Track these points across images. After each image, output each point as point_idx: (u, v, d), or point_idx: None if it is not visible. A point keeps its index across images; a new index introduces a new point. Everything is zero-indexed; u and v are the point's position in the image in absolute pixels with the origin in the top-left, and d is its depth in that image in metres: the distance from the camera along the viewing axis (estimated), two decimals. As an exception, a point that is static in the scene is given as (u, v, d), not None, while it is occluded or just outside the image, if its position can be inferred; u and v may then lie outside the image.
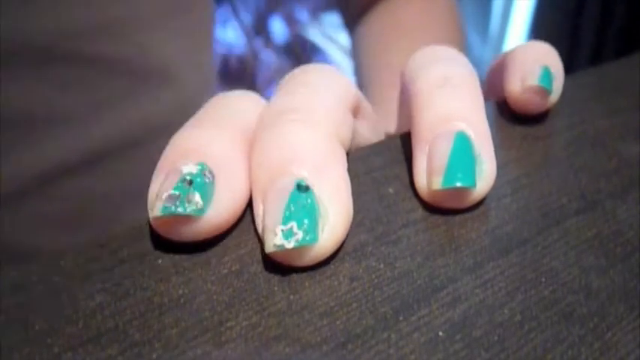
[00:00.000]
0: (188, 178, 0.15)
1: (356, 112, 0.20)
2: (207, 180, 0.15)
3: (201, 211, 0.15)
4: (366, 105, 0.21)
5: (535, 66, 0.21)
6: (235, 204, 0.16)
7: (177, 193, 0.15)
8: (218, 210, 0.15)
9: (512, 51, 0.22)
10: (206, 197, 0.15)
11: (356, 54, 0.44)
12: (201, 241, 0.16)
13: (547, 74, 0.21)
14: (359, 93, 0.20)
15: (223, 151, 0.16)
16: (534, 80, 0.21)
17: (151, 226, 0.16)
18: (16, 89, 0.28)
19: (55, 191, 0.31)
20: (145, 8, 0.31)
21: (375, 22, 0.42)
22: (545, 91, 0.21)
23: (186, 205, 0.15)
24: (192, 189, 0.15)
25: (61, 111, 0.30)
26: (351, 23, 0.45)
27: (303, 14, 0.94)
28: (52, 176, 0.30)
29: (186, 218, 0.15)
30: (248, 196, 0.17)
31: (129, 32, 0.30)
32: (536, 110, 0.22)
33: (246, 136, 0.17)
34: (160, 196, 0.15)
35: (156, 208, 0.15)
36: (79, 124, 0.31)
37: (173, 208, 0.15)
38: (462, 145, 0.17)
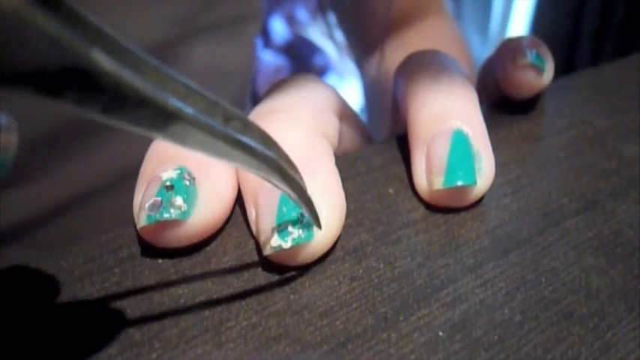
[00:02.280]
0: (168, 183, 0.15)
1: (342, 117, 0.20)
2: (187, 183, 0.15)
3: (185, 214, 0.15)
4: (351, 110, 0.22)
5: (525, 49, 0.21)
6: (220, 204, 0.16)
7: (159, 199, 0.15)
8: (203, 211, 0.15)
9: (501, 43, 0.23)
10: (189, 200, 0.15)
11: (371, 90, 0.44)
12: (193, 245, 0.16)
13: (538, 55, 0.21)
14: (343, 99, 0.21)
15: None
16: (527, 58, 0.21)
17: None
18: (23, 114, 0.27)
19: (49, 229, 0.30)
20: (198, 21, 0.30)
21: (391, 57, 0.42)
22: (537, 68, 0.21)
23: (170, 210, 0.15)
24: (173, 194, 0.15)
25: (68, 139, 0.29)
26: (362, 58, 0.45)
27: (303, 14, 0.94)
28: (48, 214, 0.30)
29: (173, 223, 0.15)
30: (234, 196, 0.17)
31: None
32: (530, 90, 0.22)
33: None
34: (142, 206, 0.15)
35: (141, 219, 0.15)
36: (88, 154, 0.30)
37: (157, 215, 0.15)
38: (460, 143, 0.17)
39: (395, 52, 0.39)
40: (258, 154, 0.11)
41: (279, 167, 0.12)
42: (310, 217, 0.14)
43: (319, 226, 0.15)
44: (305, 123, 0.17)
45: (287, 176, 0.12)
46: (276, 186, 0.13)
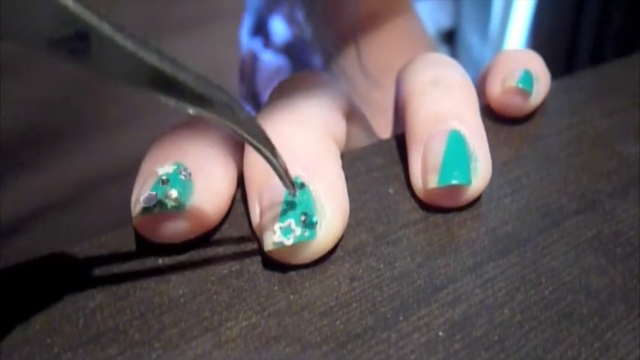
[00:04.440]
0: (164, 177, 0.15)
1: (349, 117, 0.20)
2: (183, 178, 0.15)
3: (180, 207, 0.15)
4: (358, 110, 0.22)
5: (516, 69, 0.21)
6: (216, 200, 0.16)
7: (154, 192, 0.15)
8: (197, 206, 0.15)
9: (495, 57, 0.22)
10: (184, 194, 0.15)
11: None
12: (189, 240, 0.16)
13: (528, 76, 0.21)
14: (351, 98, 0.21)
15: (200, 150, 0.16)
16: (514, 82, 0.21)
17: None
18: (19, 108, 0.27)
19: (47, 223, 0.30)
20: (166, 18, 0.30)
21: (366, 55, 0.42)
22: (524, 93, 0.21)
23: (165, 202, 0.15)
24: (168, 187, 0.15)
25: (65, 133, 0.29)
26: (332, 53, 0.45)
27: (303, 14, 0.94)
28: (47, 207, 0.30)
29: (168, 216, 0.15)
30: (231, 194, 0.17)
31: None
32: (517, 113, 0.22)
33: (228, 136, 0.17)
34: (138, 199, 0.15)
35: (136, 212, 0.15)
36: (83, 147, 0.29)
37: (151, 207, 0.15)
38: (456, 143, 0.17)
39: (370, 50, 0.40)
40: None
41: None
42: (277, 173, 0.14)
43: (293, 192, 0.15)
44: (314, 126, 0.17)
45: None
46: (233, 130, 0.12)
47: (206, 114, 0.11)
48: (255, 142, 0.13)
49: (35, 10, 0.09)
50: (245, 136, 0.12)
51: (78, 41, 0.09)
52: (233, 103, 0.12)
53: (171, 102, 0.11)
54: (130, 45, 0.10)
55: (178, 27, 0.31)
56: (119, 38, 0.10)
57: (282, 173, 0.14)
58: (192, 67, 0.11)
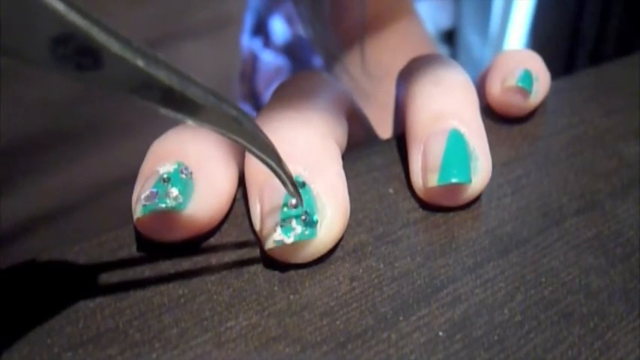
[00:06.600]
0: (165, 176, 0.15)
1: (350, 116, 0.20)
2: (184, 177, 0.15)
3: (181, 205, 0.15)
4: (359, 110, 0.22)
5: (515, 68, 0.21)
6: (217, 199, 0.16)
7: (155, 191, 0.15)
8: (198, 204, 0.15)
9: (495, 57, 0.23)
10: (185, 193, 0.15)
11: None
12: (189, 240, 0.16)
13: (527, 76, 0.21)
14: (352, 98, 0.21)
15: (201, 150, 0.16)
16: (513, 81, 0.21)
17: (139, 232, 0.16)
18: (21, 113, 0.26)
19: (58, 226, 0.30)
20: (176, 25, 0.30)
21: (372, 58, 0.43)
22: (524, 91, 0.21)
23: (166, 200, 0.15)
24: (169, 185, 0.15)
25: (70, 138, 0.29)
26: (330, 60, 0.46)
27: (303, 14, 0.94)
28: (58, 210, 0.29)
29: (168, 215, 0.15)
30: (231, 193, 0.17)
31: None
32: (517, 112, 0.22)
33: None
34: (139, 198, 0.15)
35: (137, 210, 0.15)
36: (90, 155, 0.29)
37: (152, 205, 0.15)
38: (456, 142, 0.17)
39: (373, 51, 0.40)
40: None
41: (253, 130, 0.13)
42: (279, 177, 0.14)
43: (300, 201, 0.15)
44: (315, 126, 0.17)
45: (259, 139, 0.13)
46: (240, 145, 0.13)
47: (211, 127, 0.11)
48: (261, 154, 0.13)
49: (39, 26, 0.09)
50: (251, 149, 0.12)
51: (84, 56, 0.09)
52: (240, 116, 0.12)
53: (175, 115, 0.11)
54: (139, 62, 0.10)
55: (188, 33, 0.31)
56: (128, 55, 0.10)
57: (288, 184, 0.14)
58: (199, 71, 0.11)
